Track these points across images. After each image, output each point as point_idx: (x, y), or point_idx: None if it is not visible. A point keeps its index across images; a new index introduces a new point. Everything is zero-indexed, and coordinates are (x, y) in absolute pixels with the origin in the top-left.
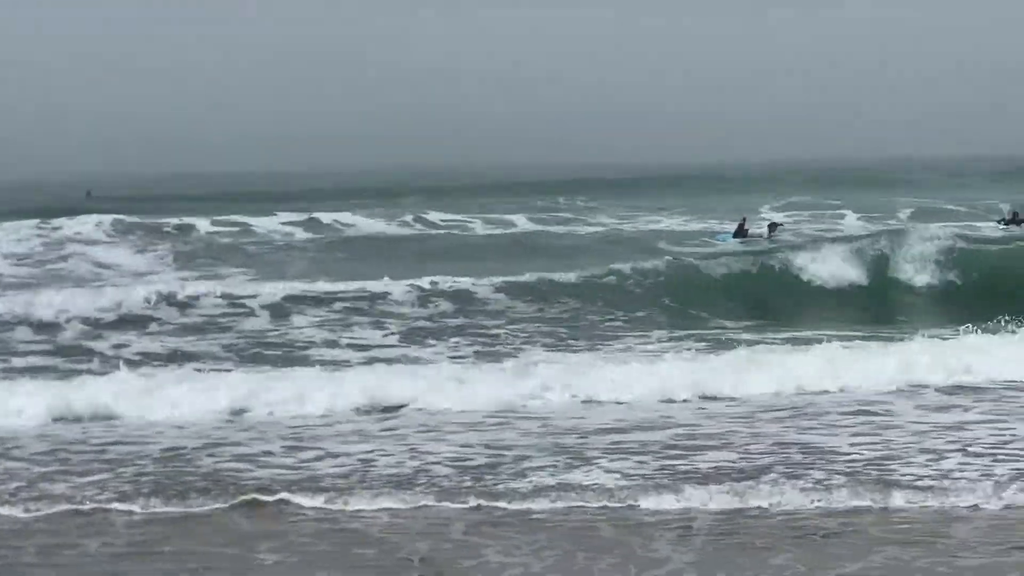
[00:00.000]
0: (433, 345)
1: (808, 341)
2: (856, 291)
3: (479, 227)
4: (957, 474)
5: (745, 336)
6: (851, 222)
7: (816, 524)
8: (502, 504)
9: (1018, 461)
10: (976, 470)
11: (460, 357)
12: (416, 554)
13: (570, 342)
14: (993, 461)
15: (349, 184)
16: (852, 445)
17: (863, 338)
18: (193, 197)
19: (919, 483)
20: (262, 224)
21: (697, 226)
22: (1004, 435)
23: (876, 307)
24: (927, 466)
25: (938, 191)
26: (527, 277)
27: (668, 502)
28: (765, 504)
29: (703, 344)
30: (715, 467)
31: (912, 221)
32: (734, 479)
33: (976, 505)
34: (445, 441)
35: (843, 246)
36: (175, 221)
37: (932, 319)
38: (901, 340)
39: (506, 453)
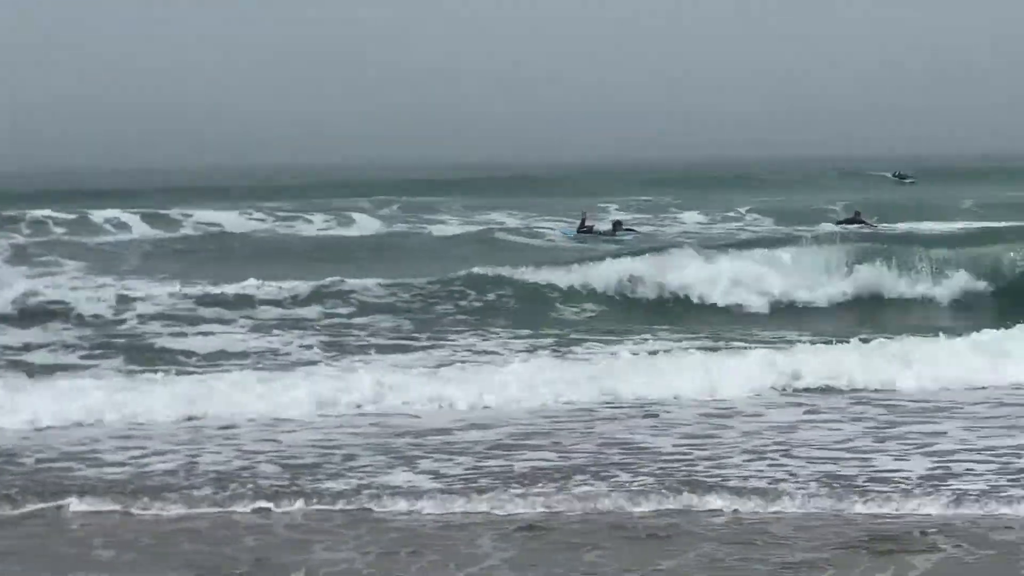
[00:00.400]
0: (279, 335)
1: (652, 345)
2: (701, 296)
3: (318, 223)
4: (779, 475)
5: (587, 338)
6: (691, 219)
7: (633, 523)
8: (325, 502)
9: (835, 463)
10: (796, 470)
11: (307, 358)
12: (244, 550)
13: (415, 342)
14: (810, 462)
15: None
16: (677, 446)
17: (710, 339)
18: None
19: (735, 483)
20: (100, 216)
21: (539, 223)
22: (834, 435)
23: (721, 312)
24: (746, 466)
25: (783, 191)
26: (369, 278)
27: (486, 502)
28: (581, 503)
29: (548, 343)
30: (534, 467)
31: (751, 215)
32: (551, 479)
33: (791, 504)
34: (275, 441)
35: (681, 250)
36: (12, 213)
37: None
38: (750, 346)
39: (335, 452)
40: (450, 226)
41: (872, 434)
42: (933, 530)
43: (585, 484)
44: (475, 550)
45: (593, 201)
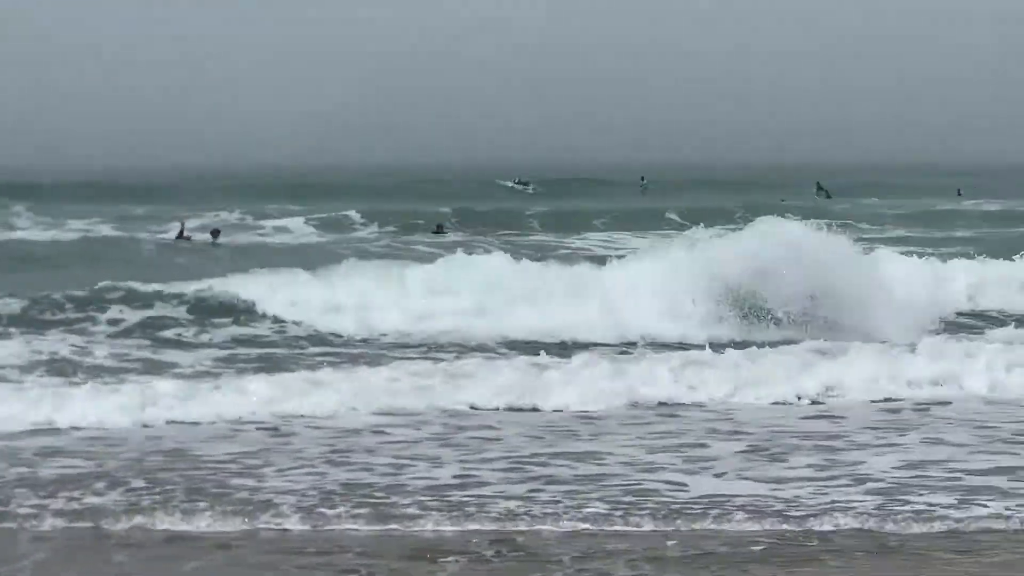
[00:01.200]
0: None
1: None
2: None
3: None
4: (299, 486)
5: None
6: (294, 226)
7: (165, 527)
8: None
9: (369, 471)
10: (322, 480)
11: None
12: None
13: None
14: (349, 471)
15: None
16: (229, 454)
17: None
18: None
19: (245, 495)
20: None
21: (140, 230)
22: (398, 444)
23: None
24: (276, 476)
25: (398, 199)
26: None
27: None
28: (112, 512)
29: (157, 354)
30: (61, 474)
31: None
32: (79, 487)
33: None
34: None
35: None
36: None
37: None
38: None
39: None
40: (39, 230)
41: (438, 440)
42: (481, 540)
43: (112, 492)
44: (10, 551)
45: (189, 208)
